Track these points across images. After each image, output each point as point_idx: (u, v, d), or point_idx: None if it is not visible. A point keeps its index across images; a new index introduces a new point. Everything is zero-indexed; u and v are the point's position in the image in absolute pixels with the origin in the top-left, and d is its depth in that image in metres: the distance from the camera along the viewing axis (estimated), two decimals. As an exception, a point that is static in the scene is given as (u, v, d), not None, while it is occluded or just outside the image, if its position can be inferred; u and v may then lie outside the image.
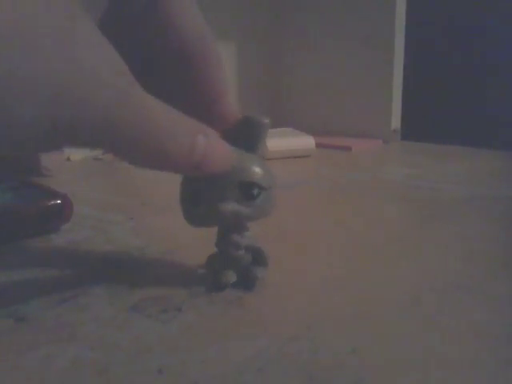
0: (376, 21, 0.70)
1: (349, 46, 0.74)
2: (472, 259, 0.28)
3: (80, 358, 0.19)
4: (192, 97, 0.23)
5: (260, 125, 0.23)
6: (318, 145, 0.63)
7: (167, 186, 0.46)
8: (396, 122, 0.72)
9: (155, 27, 0.22)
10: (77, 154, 0.61)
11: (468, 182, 0.47)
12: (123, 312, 0.23)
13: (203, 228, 0.24)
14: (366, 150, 0.66)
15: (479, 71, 0.90)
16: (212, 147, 0.20)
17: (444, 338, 0.20)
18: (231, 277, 0.24)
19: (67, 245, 0.32)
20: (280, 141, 0.61)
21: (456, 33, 0.91)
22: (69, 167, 0.58)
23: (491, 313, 0.22)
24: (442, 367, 0.18)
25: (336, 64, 0.76)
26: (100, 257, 0.29)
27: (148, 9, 0.21)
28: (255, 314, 0.22)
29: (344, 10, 0.73)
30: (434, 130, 0.87)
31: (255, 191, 0.23)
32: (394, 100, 0.71)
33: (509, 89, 0.86)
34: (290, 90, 0.83)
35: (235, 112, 0.24)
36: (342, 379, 0.18)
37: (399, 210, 0.39)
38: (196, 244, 0.30)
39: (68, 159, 0.61)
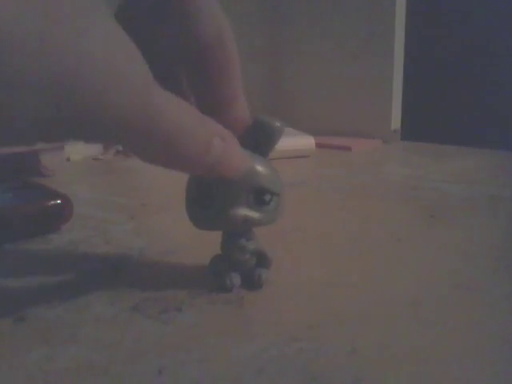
0: (376, 21, 0.70)
1: (349, 47, 0.74)
2: (473, 260, 0.28)
3: (80, 359, 0.19)
4: (206, 96, 0.23)
5: (273, 129, 0.23)
6: (317, 145, 0.63)
7: (167, 186, 0.46)
8: (396, 122, 0.72)
9: (170, 23, 0.21)
10: (77, 154, 0.61)
11: (468, 182, 0.47)
12: (123, 312, 0.23)
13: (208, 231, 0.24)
14: (365, 150, 0.66)
15: (479, 71, 0.90)
16: (229, 150, 0.20)
17: (444, 338, 0.20)
18: (236, 280, 0.24)
19: (67, 245, 0.32)
20: (280, 141, 0.61)
21: (456, 33, 0.91)
22: (69, 167, 0.58)
23: (492, 313, 0.22)
24: (442, 367, 0.18)
25: (336, 64, 0.76)
26: (100, 257, 0.29)
27: (163, 3, 0.21)
28: (255, 314, 0.22)
29: (344, 10, 0.73)
30: (434, 130, 0.87)
31: (267, 197, 0.23)
32: (394, 100, 0.71)
33: (509, 89, 0.86)
34: (290, 89, 0.82)
35: (248, 115, 0.23)
36: (343, 379, 0.17)
37: (399, 211, 0.39)
38: (196, 244, 0.30)
39: (68, 159, 0.61)
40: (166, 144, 0.18)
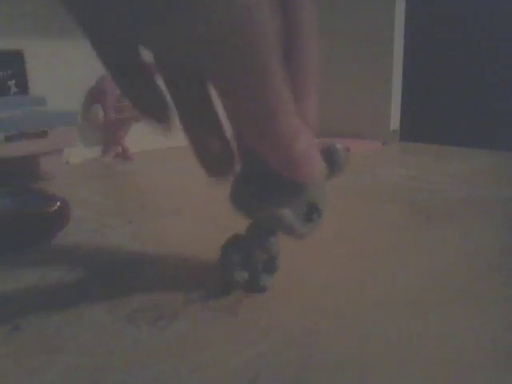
0: (375, 22, 0.70)
1: (348, 47, 0.74)
2: (471, 261, 0.28)
3: (75, 367, 0.19)
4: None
5: (341, 154, 0.23)
6: (317, 146, 0.63)
7: (168, 189, 0.46)
8: (395, 122, 0.72)
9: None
10: (76, 158, 0.61)
11: (467, 183, 0.47)
12: (120, 320, 0.23)
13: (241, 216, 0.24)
14: (365, 152, 0.66)
15: (478, 72, 0.90)
16: (312, 151, 0.20)
17: (444, 341, 0.20)
18: (243, 277, 0.24)
19: (65, 249, 0.32)
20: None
21: (455, 34, 0.90)
22: (68, 170, 0.58)
23: (489, 315, 0.22)
24: (444, 371, 0.18)
25: (334, 65, 0.76)
26: (97, 262, 0.29)
27: None
28: (251, 320, 0.22)
29: (343, 11, 0.73)
30: (434, 131, 0.87)
31: (315, 216, 0.23)
32: (393, 101, 0.71)
33: (508, 89, 0.86)
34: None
35: (316, 118, 0.23)
36: (337, 387, 0.17)
37: (398, 212, 0.39)
38: (193, 249, 0.30)
39: (67, 162, 0.61)
40: (264, 111, 0.19)
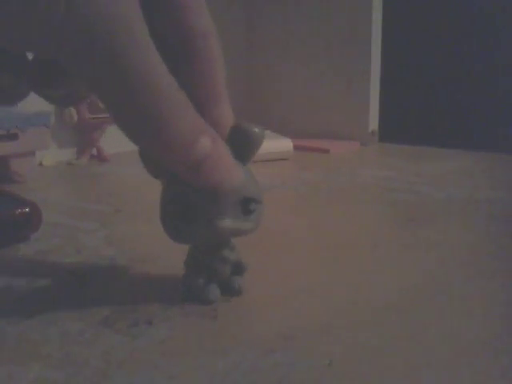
0: (352, 22, 0.70)
1: (326, 48, 0.73)
2: (449, 262, 0.28)
3: (44, 378, 0.18)
4: (189, 95, 0.22)
5: (254, 135, 0.22)
6: (295, 147, 0.63)
7: (143, 191, 0.45)
8: (374, 123, 0.72)
9: (159, 20, 0.20)
10: (49, 159, 0.60)
11: (446, 184, 0.47)
12: (92, 327, 0.22)
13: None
14: (344, 153, 0.66)
15: (456, 73, 0.90)
16: (217, 155, 0.19)
17: (424, 346, 0.20)
18: (216, 293, 0.24)
19: (35, 255, 0.30)
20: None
21: (433, 35, 0.91)
22: (41, 173, 0.57)
23: (468, 318, 0.22)
24: (423, 378, 0.18)
25: (313, 66, 0.75)
26: (69, 267, 0.28)
27: (154, 1, 0.20)
28: (229, 327, 0.22)
29: (321, 12, 0.73)
30: (412, 132, 0.88)
31: (252, 206, 0.22)
32: (372, 102, 0.71)
33: (485, 90, 0.87)
34: (267, 92, 0.82)
35: (232, 116, 0.22)
36: (319, 395, 0.17)
37: (377, 213, 0.39)
38: (169, 253, 0.29)
39: (40, 164, 0.59)
40: (156, 120, 0.18)
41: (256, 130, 0.22)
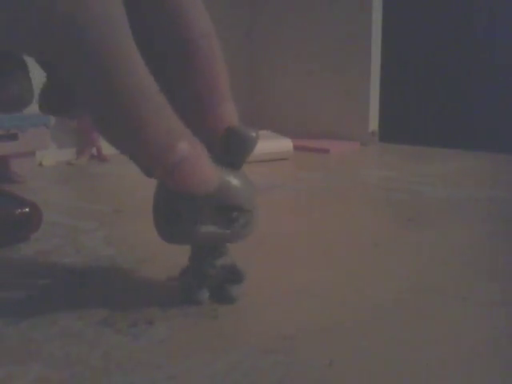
0: (352, 22, 0.70)
1: (326, 49, 0.73)
2: (449, 262, 0.28)
3: (44, 378, 0.18)
4: (191, 98, 0.22)
5: (247, 138, 0.21)
6: (295, 147, 0.63)
7: (143, 191, 0.45)
8: (374, 124, 0.72)
9: (160, 22, 0.21)
10: (49, 159, 0.60)
11: (446, 184, 0.47)
12: (91, 326, 0.22)
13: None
14: (344, 153, 0.66)
15: (456, 73, 0.90)
16: (194, 159, 0.19)
17: (424, 347, 0.20)
18: (204, 295, 0.23)
19: (35, 255, 0.30)
20: (258, 144, 0.60)
21: (433, 36, 0.91)
22: (41, 173, 0.57)
23: (468, 317, 0.22)
24: (423, 378, 0.18)
25: (313, 66, 0.75)
26: (69, 267, 0.28)
27: (154, 2, 0.20)
28: (229, 327, 0.22)
29: (321, 12, 0.73)
30: (412, 132, 0.88)
31: (234, 215, 0.22)
32: (372, 102, 0.71)
33: (485, 91, 0.87)
34: (268, 92, 0.82)
35: (236, 116, 0.22)
36: (319, 395, 0.17)
37: (377, 213, 0.39)
38: (169, 253, 0.29)
39: (40, 164, 0.59)
40: (134, 120, 0.18)
41: (250, 132, 0.21)
